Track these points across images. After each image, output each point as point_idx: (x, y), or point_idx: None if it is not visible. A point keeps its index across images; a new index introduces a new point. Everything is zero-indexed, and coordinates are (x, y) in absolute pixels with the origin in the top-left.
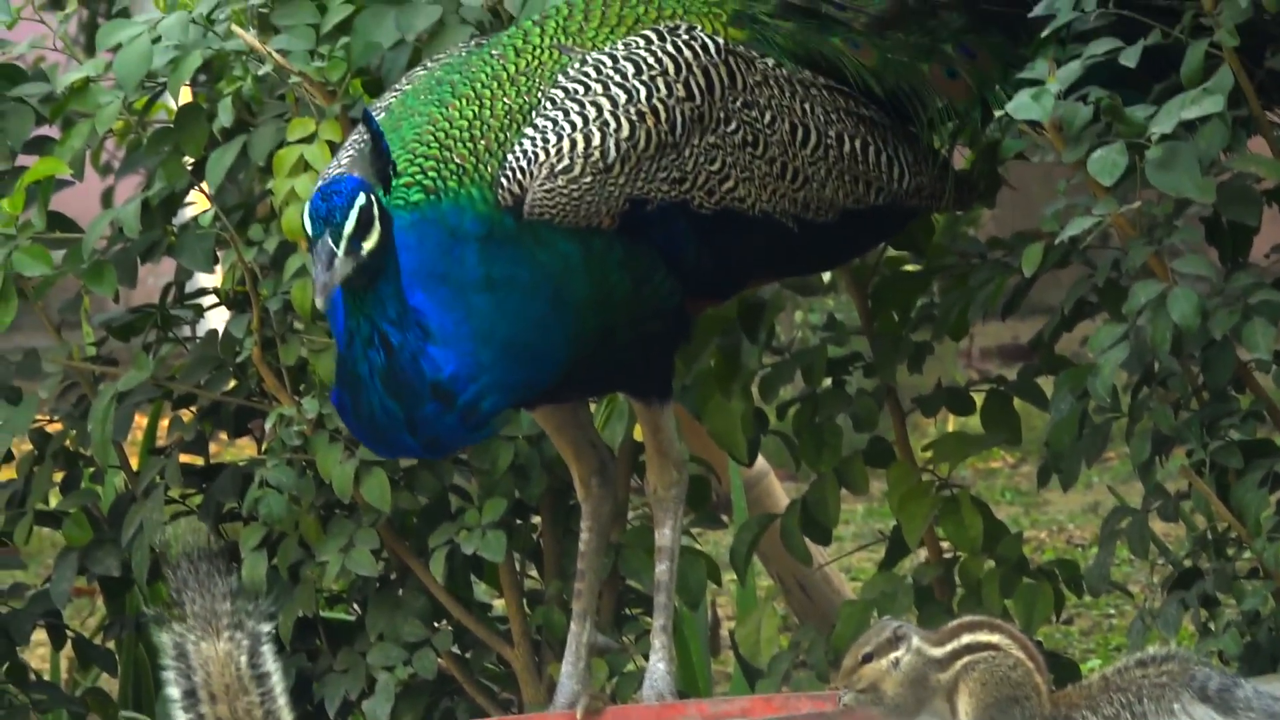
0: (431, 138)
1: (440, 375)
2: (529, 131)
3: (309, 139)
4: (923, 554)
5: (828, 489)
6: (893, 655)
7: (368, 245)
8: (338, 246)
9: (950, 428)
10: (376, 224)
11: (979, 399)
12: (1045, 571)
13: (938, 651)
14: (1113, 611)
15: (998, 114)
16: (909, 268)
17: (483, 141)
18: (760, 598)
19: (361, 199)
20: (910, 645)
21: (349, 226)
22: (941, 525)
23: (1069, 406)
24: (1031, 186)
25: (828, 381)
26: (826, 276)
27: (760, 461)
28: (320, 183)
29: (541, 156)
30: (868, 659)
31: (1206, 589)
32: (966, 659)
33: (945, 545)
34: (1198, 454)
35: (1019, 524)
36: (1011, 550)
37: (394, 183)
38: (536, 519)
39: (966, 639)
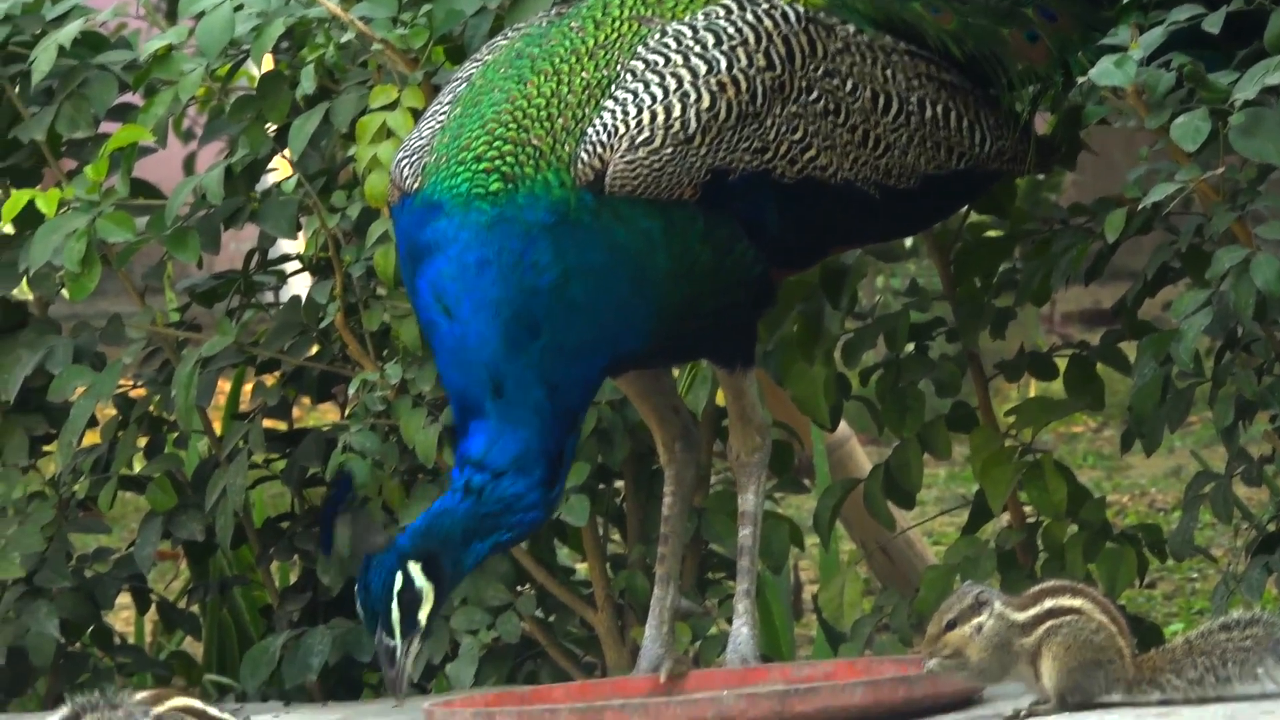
0: (510, 116)
1: (549, 499)
2: (609, 105)
3: (391, 106)
4: (1005, 519)
5: (910, 454)
6: (976, 621)
7: (424, 613)
8: (394, 638)
9: (1033, 393)
10: (424, 589)
11: (1062, 364)
12: (1128, 536)
13: (1020, 616)
14: (1195, 576)
15: (1080, 80)
16: (991, 233)
17: (560, 120)
18: (843, 562)
19: (398, 580)
20: (993, 610)
21: (395, 615)
22: (1024, 490)
23: (1152, 372)
24: (1114, 152)
25: (910, 347)
26: (909, 242)
27: (843, 426)
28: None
29: (621, 129)
30: (951, 625)
31: None
32: (1049, 624)
33: (1028, 510)
34: None
35: (1101, 488)
36: (1095, 515)
37: (475, 167)
38: (619, 484)
39: (1049, 604)
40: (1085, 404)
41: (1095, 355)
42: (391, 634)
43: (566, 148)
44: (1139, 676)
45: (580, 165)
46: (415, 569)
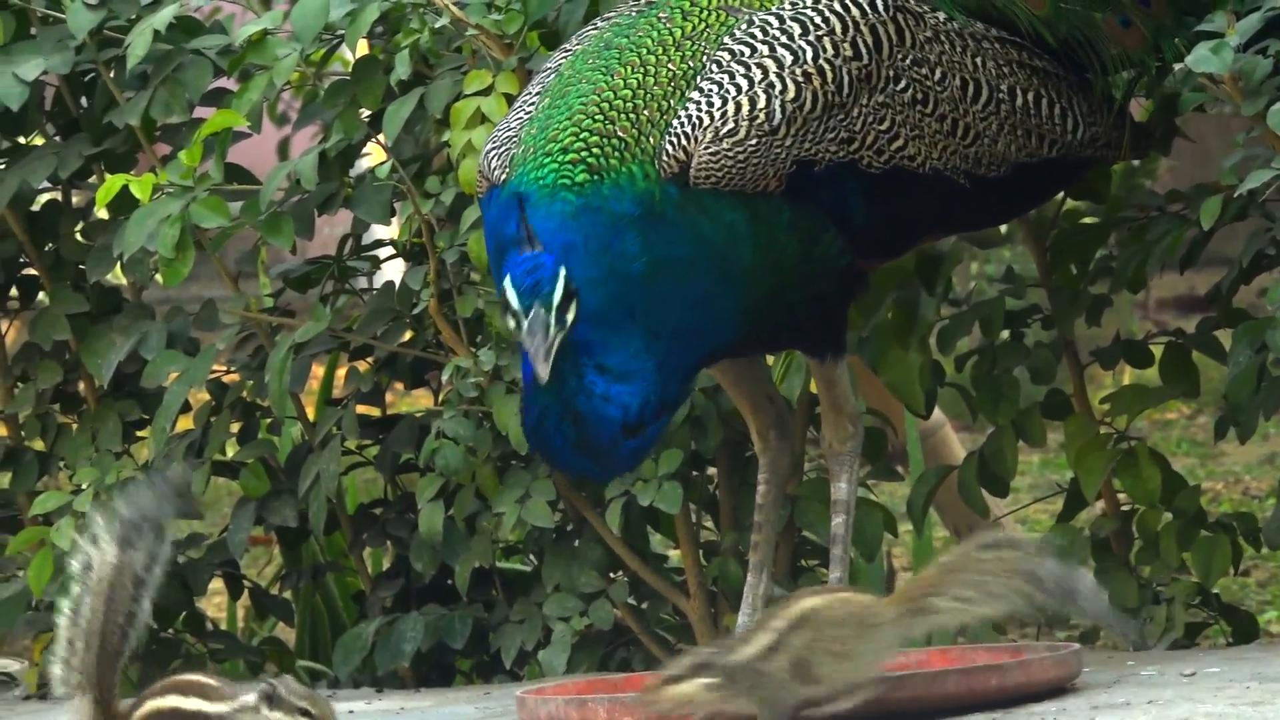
0: (596, 109)
1: (630, 415)
2: (694, 96)
3: (485, 91)
4: (1100, 506)
5: (1005, 441)
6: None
7: (571, 316)
8: (550, 315)
9: (1127, 380)
10: (576, 298)
11: (1157, 351)
12: (1223, 524)
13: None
14: None
15: (1176, 66)
16: (1087, 220)
17: (645, 112)
18: (937, 549)
19: (563, 271)
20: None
21: (557, 296)
22: (1119, 477)
23: (1247, 359)
24: (1209, 139)
25: (1005, 334)
26: (1004, 228)
27: (937, 413)
28: (514, 262)
29: (706, 121)
30: (673, 680)
31: None
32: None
33: (1122, 498)
34: None
35: (1195, 476)
36: (1189, 502)
37: (561, 159)
38: (712, 471)
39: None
40: (1180, 391)
41: (1190, 342)
42: (550, 311)
43: (652, 140)
44: (906, 609)
45: (665, 158)
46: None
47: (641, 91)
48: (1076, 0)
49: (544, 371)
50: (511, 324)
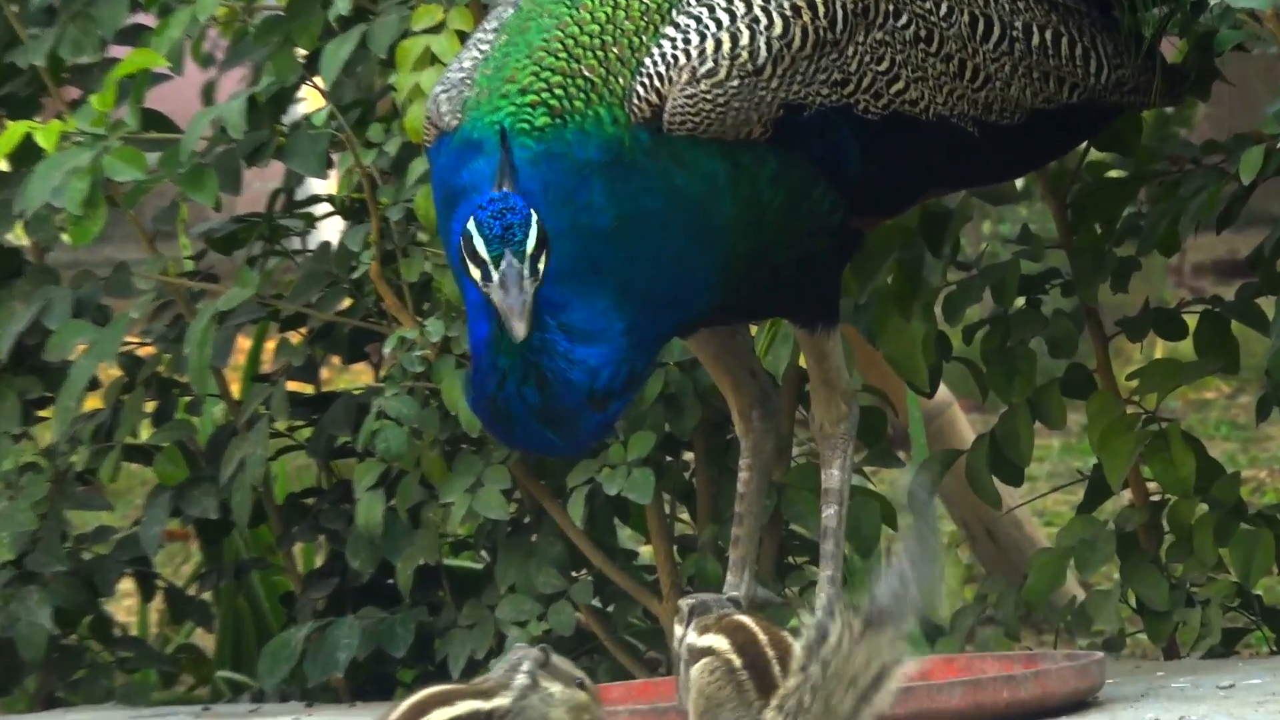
0: (559, 45)
1: (598, 383)
2: (669, 32)
3: (436, 29)
4: (1126, 496)
5: (1020, 422)
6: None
7: (543, 265)
8: (524, 265)
9: (1158, 354)
10: (548, 246)
11: (1191, 322)
12: (1266, 517)
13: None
14: None
15: (1213, 2)
16: (1113, 174)
17: (614, 50)
18: (942, 545)
19: (535, 215)
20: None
21: (531, 244)
22: (1148, 464)
23: None
24: (1252, 83)
25: (1020, 301)
26: (1019, 183)
27: (942, 391)
28: (479, 201)
29: (682, 60)
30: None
31: None
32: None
33: (1152, 487)
34: None
35: (1236, 463)
36: (1228, 493)
37: (520, 100)
38: (689, 456)
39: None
40: (1218, 367)
41: (1229, 311)
42: (523, 260)
43: (621, 80)
44: None
45: (636, 100)
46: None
47: (610, 26)
48: None
49: (520, 330)
50: (477, 274)
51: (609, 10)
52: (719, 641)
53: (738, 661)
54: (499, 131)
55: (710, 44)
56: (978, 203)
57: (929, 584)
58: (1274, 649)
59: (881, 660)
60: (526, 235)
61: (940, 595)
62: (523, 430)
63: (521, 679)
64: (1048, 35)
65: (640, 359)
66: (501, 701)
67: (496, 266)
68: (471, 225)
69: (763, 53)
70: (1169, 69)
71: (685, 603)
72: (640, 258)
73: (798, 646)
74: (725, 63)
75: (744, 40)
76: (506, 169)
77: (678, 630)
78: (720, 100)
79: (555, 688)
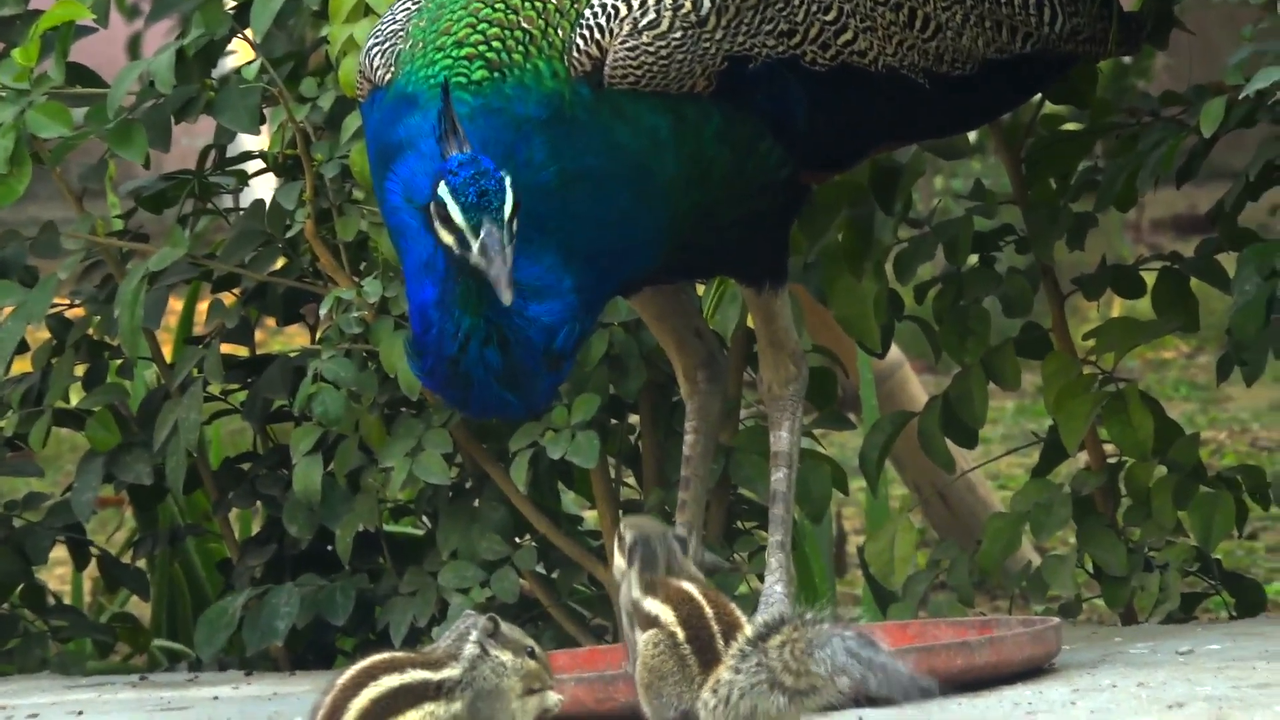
0: None
1: (554, 341)
2: None
3: None
4: (1083, 459)
5: (973, 383)
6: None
7: (514, 228)
8: (504, 232)
9: (1116, 312)
10: (518, 209)
11: (1149, 279)
12: (1225, 479)
13: None
14: None
15: None
16: (1069, 127)
17: (554, 0)
18: (893, 509)
19: (509, 178)
20: None
21: (508, 210)
22: (1105, 425)
23: (1255, 288)
24: (1212, 32)
25: (974, 259)
26: (972, 137)
27: (894, 352)
28: (449, 166)
29: (623, 10)
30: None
31: None
32: None
33: (1109, 449)
34: None
35: (1195, 424)
36: (1186, 455)
37: (456, 54)
38: (634, 419)
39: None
40: (1177, 325)
41: (1189, 269)
42: (503, 227)
43: (561, 32)
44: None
45: (576, 53)
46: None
47: None
48: None
49: (508, 296)
50: (451, 241)
51: None
52: (665, 613)
53: (681, 635)
54: (439, 87)
55: None
56: (930, 157)
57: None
58: (1233, 614)
59: (814, 681)
60: (503, 201)
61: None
62: (480, 394)
63: (471, 648)
64: None
65: (587, 319)
66: (451, 672)
67: (475, 235)
68: (444, 191)
69: (706, 3)
70: (1126, 17)
71: (628, 534)
72: (583, 215)
73: (745, 626)
74: (668, 13)
75: None
76: (451, 126)
77: (617, 560)
78: (663, 53)
79: (506, 656)
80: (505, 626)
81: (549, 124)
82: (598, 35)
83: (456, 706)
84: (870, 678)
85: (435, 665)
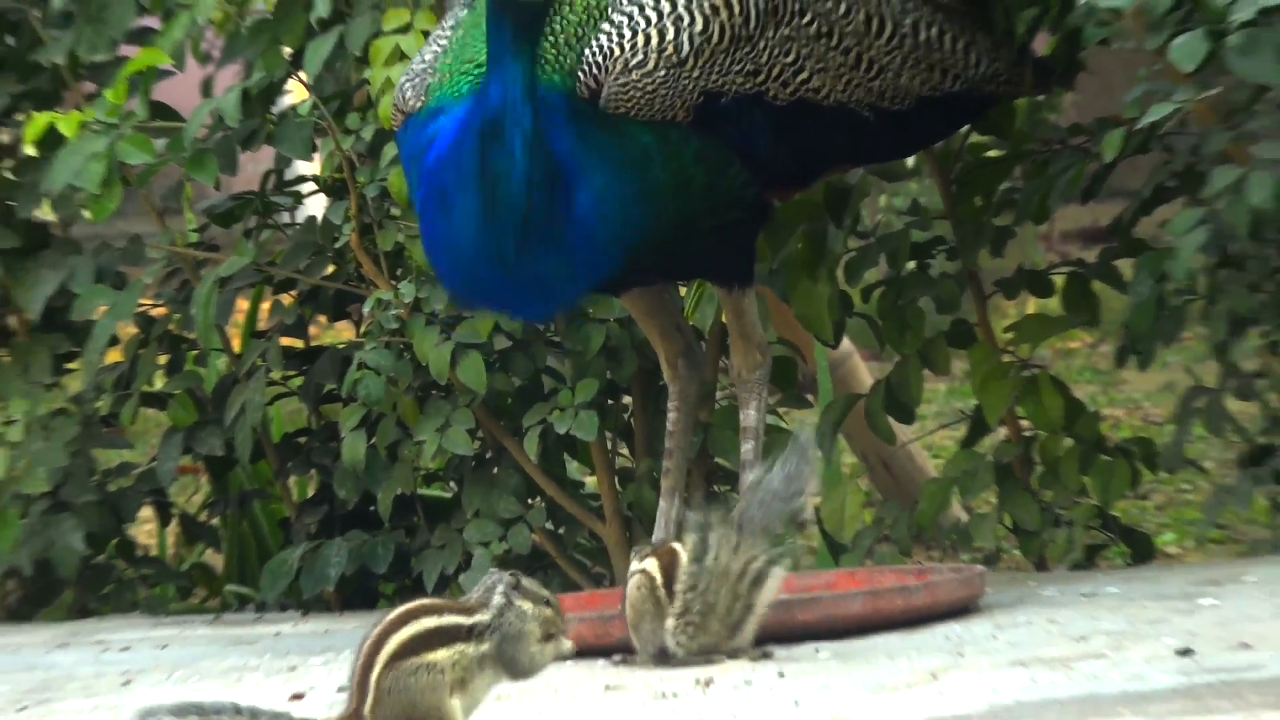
0: None
1: (581, 211)
2: (605, 27)
3: (404, 29)
4: (1003, 433)
5: (911, 369)
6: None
7: None
8: None
9: (1030, 310)
10: None
11: (1059, 282)
12: (1122, 449)
13: None
14: (1187, 487)
15: (1080, 1)
16: (991, 154)
17: (563, 35)
18: (844, 475)
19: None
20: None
21: None
22: (1021, 404)
23: (1148, 289)
24: (1112, 73)
25: (911, 265)
26: (910, 162)
27: (845, 343)
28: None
29: (616, 52)
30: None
31: (1279, 466)
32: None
33: (1025, 424)
34: (1273, 334)
35: (1096, 403)
36: (1089, 429)
37: (476, 72)
38: (627, 399)
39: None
40: (1082, 320)
41: (1092, 273)
42: None
43: (568, 60)
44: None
45: (579, 83)
46: None
47: (558, 17)
48: None
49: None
50: None
51: (555, 4)
52: (650, 564)
53: (660, 580)
54: (465, 94)
55: (641, 39)
56: (874, 179)
57: (796, 499)
58: (1128, 562)
59: (756, 565)
60: None
61: (805, 508)
62: (512, 270)
63: (498, 598)
64: (933, 32)
65: (583, 283)
66: (481, 618)
67: None
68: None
69: (686, 47)
70: (1039, 63)
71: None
72: (587, 207)
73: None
74: (654, 55)
75: (670, 36)
76: None
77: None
78: (649, 88)
79: (527, 605)
80: (527, 580)
81: (566, 122)
82: (595, 71)
83: (485, 647)
84: (779, 498)
85: (468, 612)
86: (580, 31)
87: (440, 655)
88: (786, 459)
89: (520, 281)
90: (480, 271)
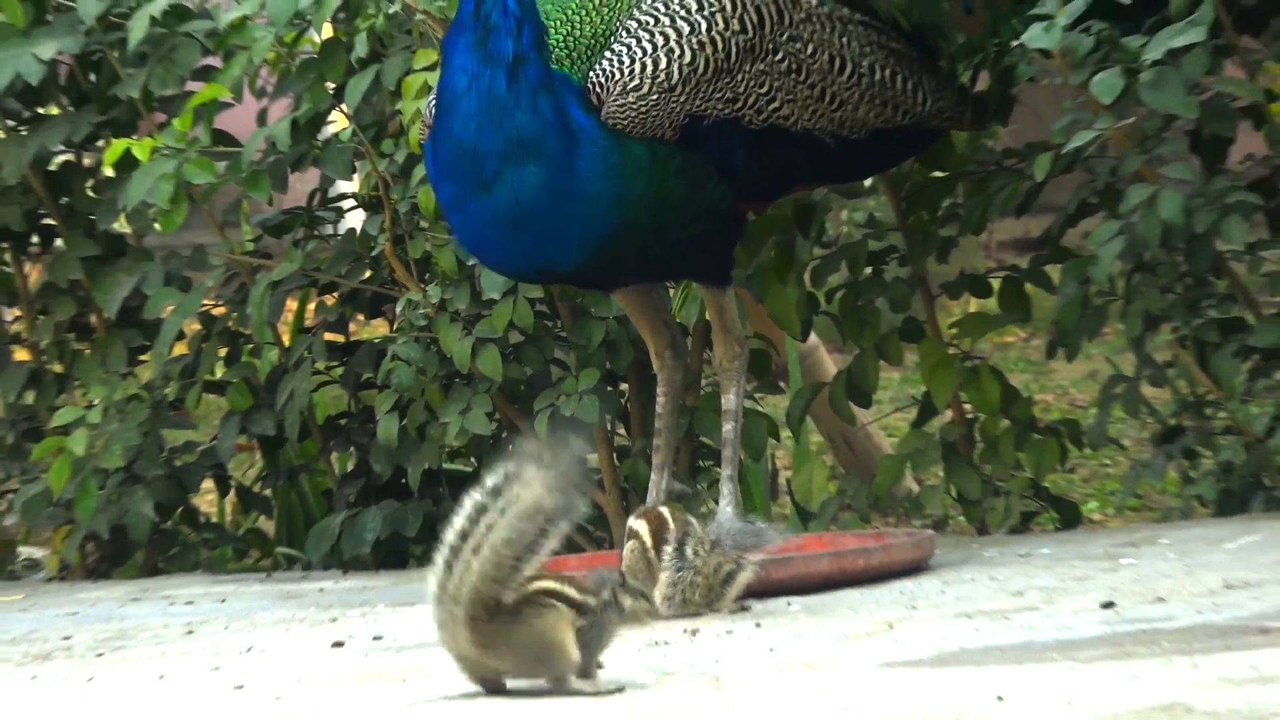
0: None
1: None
2: (607, 55)
3: (431, 67)
4: (949, 415)
5: (868, 361)
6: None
7: None
8: None
9: (972, 308)
10: None
11: (996, 284)
12: (1052, 429)
13: None
14: (1108, 463)
15: (1013, 44)
16: (937, 174)
17: (574, 53)
18: (812, 452)
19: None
20: None
21: None
22: (964, 391)
23: (1073, 290)
24: (1041, 105)
25: (868, 270)
26: (868, 182)
27: (812, 338)
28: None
29: (616, 76)
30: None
31: (1188, 443)
32: None
33: (968, 408)
34: (1182, 330)
35: (1029, 389)
36: (1023, 411)
37: None
38: (625, 386)
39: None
40: (1016, 318)
41: (1025, 277)
42: None
43: (578, 76)
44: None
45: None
46: None
47: (570, 39)
48: None
49: None
50: None
51: (567, 30)
52: (641, 527)
53: (650, 543)
54: None
55: (638, 66)
56: (836, 196)
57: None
58: (1058, 527)
59: (728, 566)
60: None
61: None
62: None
63: (606, 595)
64: (887, 73)
65: (570, 255)
66: (591, 600)
67: None
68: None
69: (675, 75)
70: (977, 99)
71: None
72: (588, 181)
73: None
74: (648, 81)
75: (662, 65)
76: None
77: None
78: (642, 109)
79: (626, 601)
80: (632, 581)
81: (583, 107)
82: (598, 90)
83: (581, 623)
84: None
85: (583, 591)
86: (588, 56)
87: (562, 608)
88: (749, 530)
89: (511, 200)
90: (476, 167)
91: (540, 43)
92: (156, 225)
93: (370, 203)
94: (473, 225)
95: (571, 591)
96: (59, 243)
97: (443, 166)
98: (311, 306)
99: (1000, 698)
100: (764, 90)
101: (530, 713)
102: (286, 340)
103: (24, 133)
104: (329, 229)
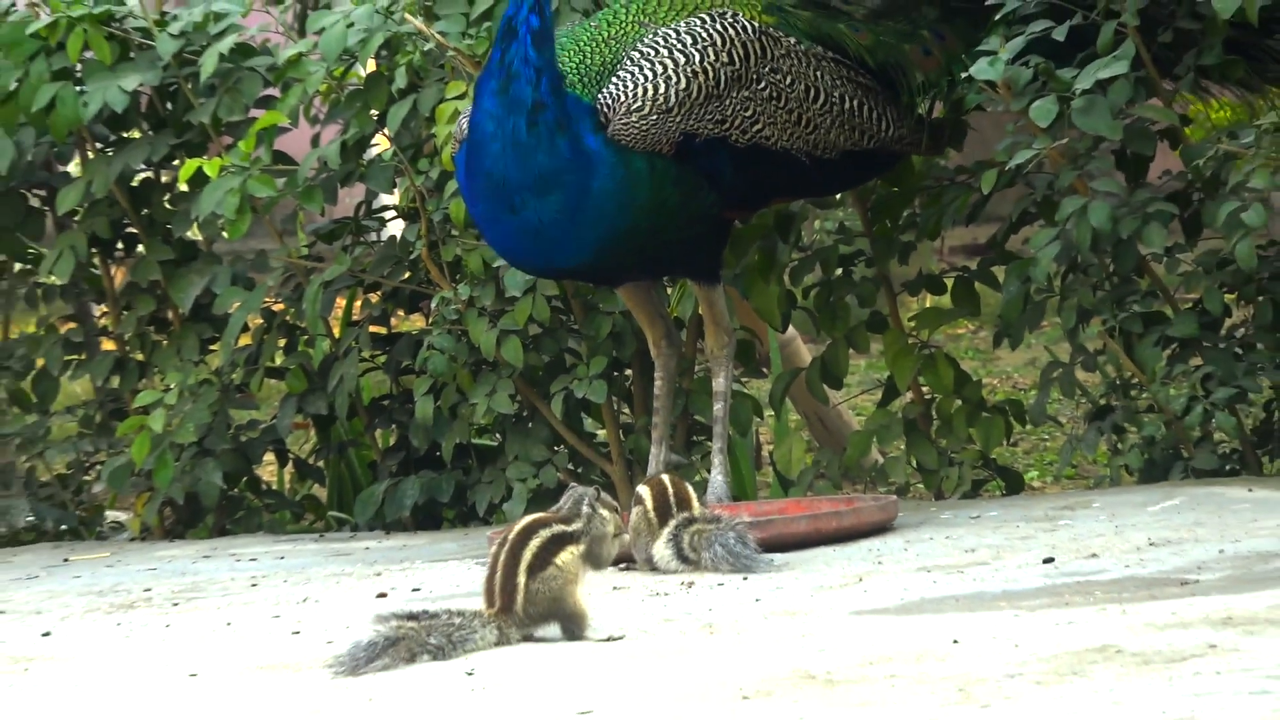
0: None
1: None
2: (614, 81)
3: (461, 96)
4: (909, 396)
5: (840, 349)
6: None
7: None
8: None
9: (928, 304)
10: None
11: (950, 283)
12: (999, 408)
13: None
14: (1047, 438)
15: (963, 76)
16: (897, 188)
17: (585, 79)
18: (791, 428)
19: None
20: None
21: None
22: (923, 375)
23: (1016, 288)
24: (987, 129)
25: (840, 271)
26: (839, 197)
27: (791, 329)
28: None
29: (622, 98)
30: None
31: (1117, 420)
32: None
33: (926, 390)
34: (1110, 322)
35: (979, 374)
36: (974, 393)
37: None
38: (630, 371)
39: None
40: (967, 312)
41: (974, 276)
42: None
43: (589, 96)
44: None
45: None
46: None
47: (583, 67)
48: (891, 35)
49: None
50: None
51: (579, 59)
52: (644, 492)
53: (651, 507)
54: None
55: (641, 90)
56: (811, 208)
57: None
58: (1004, 493)
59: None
60: None
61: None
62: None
63: (586, 509)
64: (855, 102)
65: (582, 254)
66: (578, 525)
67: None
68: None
69: (672, 99)
70: (933, 126)
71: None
72: (599, 193)
73: (693, 505)
74: (649, 103)
75: (661, 90)
76: None
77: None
78: (644, 127)
79: (605, 512)
80: (603, 495)
81: (593, 127)
82: (606, 110)
83: (582, 548)
84: (726, 563)
85: (566, 521)
86: (598, 82)
87: (563, 558)
88: (745, 555)
89: (530, 190)
90: (500, 168)
91: (558, 89)
92: (224, 233)
93: (409, 213)
94: (501, 237)
95: (558, 529)
96: (140, 248)
97: (476, 191)
98: (358, 303)
99: (956, 640)
100: (748, 114)
101: (550, 654)
102: (337, 332)
103: (110, 154)
104: (373, 236)
